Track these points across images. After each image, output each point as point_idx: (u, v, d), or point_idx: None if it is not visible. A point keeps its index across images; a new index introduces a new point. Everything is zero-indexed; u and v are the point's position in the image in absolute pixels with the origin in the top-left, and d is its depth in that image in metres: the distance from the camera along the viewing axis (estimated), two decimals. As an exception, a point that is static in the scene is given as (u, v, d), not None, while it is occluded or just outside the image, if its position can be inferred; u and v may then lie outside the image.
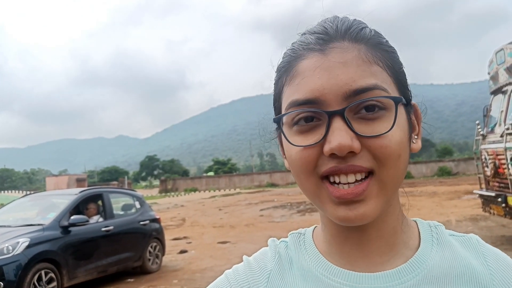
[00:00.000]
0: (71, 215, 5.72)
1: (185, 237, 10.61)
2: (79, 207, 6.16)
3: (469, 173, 39.30)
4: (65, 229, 5.35)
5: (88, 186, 62.04)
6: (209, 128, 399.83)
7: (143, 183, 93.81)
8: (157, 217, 7.38)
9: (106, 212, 6.25)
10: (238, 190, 46.36)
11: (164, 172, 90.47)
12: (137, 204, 7.09)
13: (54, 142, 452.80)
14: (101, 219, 6.16)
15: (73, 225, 5.42)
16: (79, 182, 54.33)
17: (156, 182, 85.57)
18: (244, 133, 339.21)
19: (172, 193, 50.01)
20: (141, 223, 6.82)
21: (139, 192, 8.05)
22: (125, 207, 7.05)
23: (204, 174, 72.92)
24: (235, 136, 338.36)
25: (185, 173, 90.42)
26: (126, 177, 58.15)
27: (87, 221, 5.56)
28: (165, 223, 14.10)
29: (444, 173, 42.21)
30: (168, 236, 10.42)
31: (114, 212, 6.57)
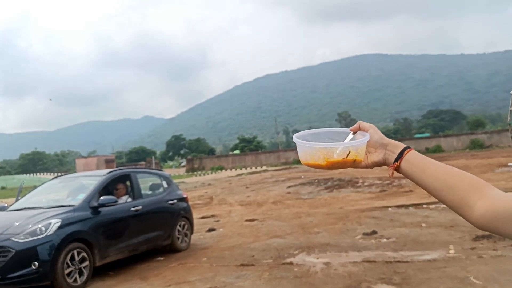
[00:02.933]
0: (100, 195, 5.75)
1: (213, 216, 10.66)
2: (108, 188, 6.19)
3: (503, 145, 37.82)
4: (95, 210, 5.38)
5: (117, 167, 63.98)
6: (234, 106, 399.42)
7: (170, 163, 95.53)
8: (185, 196, 7.36)
9: (134, 192, 6.26)
10: (264, 167, 46.82)
11: (190, 151, 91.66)
12: (165, 184, 7.08)
13: (82, 125, 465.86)
14: (129, 199, 6.17)
15: (103, 205, 5.44)
16: (108, 163, 55.86)
17: (183, 162, 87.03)
18: (269, 110, 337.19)
19: (199, 172, 50.83)
20: (169, 202, 6.82)
21: (166, 171, 8.07)
22: (153, 187, 7.06)
23: (230, 153, 73.49)
24: (260, 114, 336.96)
25: (211, 152, 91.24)
26: (153, 157, 59.44)
27: (116, 201, 5.57)
28: (192, 202, 14.26)
29: (476, 145, 40.71)
30: (196, 215, 10.48)
31: (142, 192, 6.59)
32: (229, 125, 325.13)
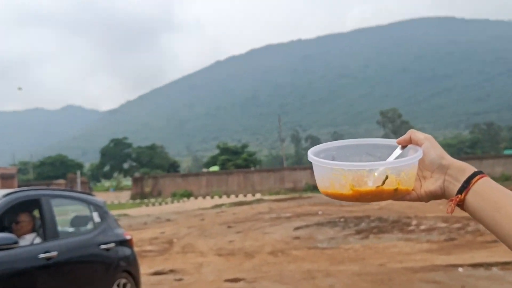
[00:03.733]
0: (-10, 234, 5.74)
1: (172, 271, 10.76)
2: (2, 221, 6.17)
3: None
4: (-21, 256, 5.37)
5: (19, 186, 63.70)
6: (213, 94, 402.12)
7: (106, 183, 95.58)
8: (128, 237, 7.43)
9: (46, 229, 6.27)
10: (258, 195, 47.34)
11: (139, 165, 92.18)
12: (96, 217, 7.11)
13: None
14: (38, 240, 6.18)
15: (-7, 248, 5.44)
16: (5, 179, 55.57)
17: (127, 182, 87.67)
18: (270, 102, 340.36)
19: (153, 200, 51.26)
20: (102, 246, 6.85)
21: (99, 196, 8.06)
22: (77, 221, 7.09)
23: (205, 170, 73.83)
24: (255, 108, 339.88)
25: (173, 167, 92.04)
26: (79, 173, 59.47)
27: (16, 242, 5.57)
28: (140, 248, 14.24)
29: None
30: (145, 269, 10.54)
31: (60, 228, 6.59)
32: (204, 126, 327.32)
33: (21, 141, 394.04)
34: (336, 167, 0.98)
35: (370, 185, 0.97)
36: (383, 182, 0.97)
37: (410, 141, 1.03)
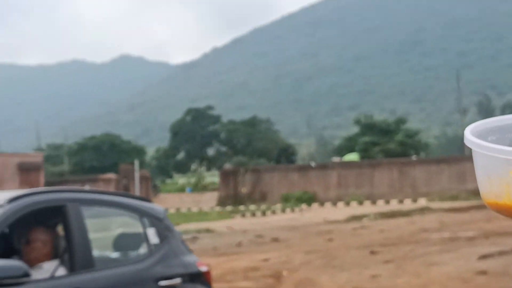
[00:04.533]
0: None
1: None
2: (7, 241, 6.41)
3: None
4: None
5: (46, 183, 66.41)
6: (347, 35, 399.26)
7: (179, 179, 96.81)
8: (203, 269, 7.51)
9: (74, 254, 6.43)
10: (423, 201, 46.80)
11: (232, 151, 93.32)
12: (153, 235, 7.22)
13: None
14: (61, 271, 6.35)
15: (-10, 286, 5.63)
16: (25, 172, 57.77)
17: (212, 177, 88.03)
18: (442, 47, 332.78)
19: (252, 207, 51.93)
20: (163, 283, 6.95)
21: (165, 201, 8.14)
22: (123, 242, 7.25)
23: (336, 159, 73.46)
24: (418, 57, 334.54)
25: (285, 155, 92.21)
26: (137, 163, 60.96)
27: (27, 274, 5.75)
28: (229, 284, 14.43)
29: None
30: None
31: (96, 253, 6.76)
32: (334, 87, 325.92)
33: (48, 111, 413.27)
34: None
35: None
36: None
37: None
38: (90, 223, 6.80)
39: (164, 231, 7.35)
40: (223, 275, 15.82)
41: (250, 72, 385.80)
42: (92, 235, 6.77)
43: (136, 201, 7.57)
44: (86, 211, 6.74)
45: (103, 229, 7.19)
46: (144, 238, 7.21)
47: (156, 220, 7.38)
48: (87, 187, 50.88)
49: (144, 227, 7.26)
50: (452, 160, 55.59)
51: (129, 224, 7.43)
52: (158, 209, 7.63)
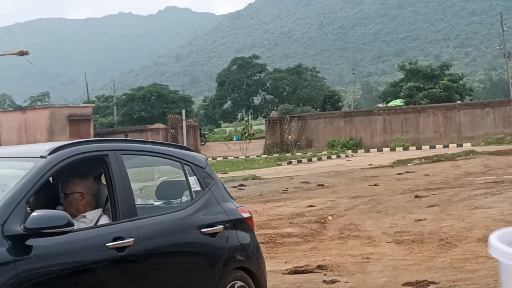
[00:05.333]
0: (32, 209, 5.95)
1: (321, 267, 10.84)
2: (52, 190, 6.43)
3: None
4: (19, 244, 5.59)
5: (96, 134, 67.18)
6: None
7: (227, 127, 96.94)
8: (246, 215, 7.48)
9: (117, 202, 6.42)
10: (468, 145, 46.74)
11: (278, 99, 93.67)
12: (194, 183, 7.17)
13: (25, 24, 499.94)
14: (104, 219, 6.35)
15: (36, 233, 5.63)
16: (75, 123, 58.56)
17: (259, 125, 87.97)
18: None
19: (298, 154, 52.34)
20: (205, 230, 6.92)
21: (213, 149, 8.14)
22: (165, 190, 7.26)
23: (381, 105, 72.88)
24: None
25: (330, 102, 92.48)
26: (184, 112, 61.16)
27: (70, 224, 5.74)
28: (274, 230, 14.47)
29: None
30: (279, 264, 10.74)
31: (138, 202, 6.72)
32: (378, 32, 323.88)
33: (97, 64, 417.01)
34: None
35: None
36: None
37: None
38: (132, 172, 6.79)
39: (206, 179, 7.32)
40: (269, 221, 15.84)
41: (295, 21, 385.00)
42: (134, 184, 6.75)
43: (177, 150, 7.54)
44: (128, 160, 6.72)
45: (146, 178, 7.16)
46: (186, 186, 7.18)
47: (198, 168, 7.34)
48: (128, 137, 51.47)
49: (186, 175, 7.22)
50: (497, 104, 55.03)
51: (171, 173, 7.40)
52: (200, 157, 7.61)
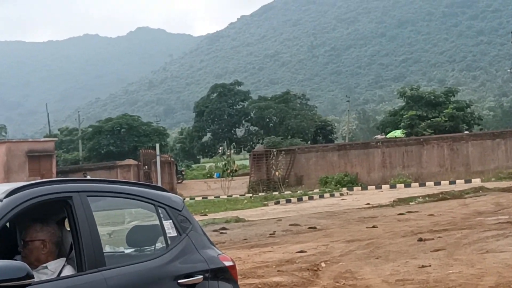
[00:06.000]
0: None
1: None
2: (9, 237, 6.48)
3: None
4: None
5: (58, 172, 66.85)
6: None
7: (206, 163, 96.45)
8: (228, 263, 7.46)
9: (82, 251, 6.42)
10: (477, 181, 46.83)
11: (264, 130, 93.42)
12: (170, 228, 7.19)
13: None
14: (68, 270, 6.33)
15: (-13, 288, 5.61)
16: (35, 160, 58.09)
17: (243, 161, 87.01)
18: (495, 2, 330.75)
19: (287, 193, 52.12)
20: (182, 281, 6.91)
21: (189, 189, 8.13)
22: (137, 236, 7.28)
23: (379, 136, 73.03)
24: (466, 20, 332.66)
25: (322, 134, 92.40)
26: (157, 147, 61.16)
27: (29, 276, 5.73)
28: (261, 280, 14.43)
29: None
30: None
31: (107, 249, 6.73)
32: (376, 53, 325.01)
33: (60, 92, 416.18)
34: None
35: None
36: None
37: None
38: (100, 216, 6.78)
39: (183, 223, 7.32)
40: (254, 269, 15.81)
41: (282, 42, 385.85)
42: (102, 229, 6.75)
43: (151, 190, 7.53)
44: (95, 202, 6.71)
45: (115, 222, 7.18)
46: (161, 231, 7.16)
47: (173, 211, 7.34)
48: (88, 176, 51.17)
49: (161, 219, 7.23)
50: (509, 134, 55.26)
51: (144, 216, 7.40)
52: (176, 198, 7.60)
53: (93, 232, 6.48)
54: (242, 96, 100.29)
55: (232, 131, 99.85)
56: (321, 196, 45.89)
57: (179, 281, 6.88)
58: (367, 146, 58.70)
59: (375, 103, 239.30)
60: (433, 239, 18.76)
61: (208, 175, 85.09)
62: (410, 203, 33.09)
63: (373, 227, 23.45)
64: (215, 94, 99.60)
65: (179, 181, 73.02)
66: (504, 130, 63.52)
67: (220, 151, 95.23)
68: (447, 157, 54.51)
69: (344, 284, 13.75)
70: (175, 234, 7.17)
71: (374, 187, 51.30)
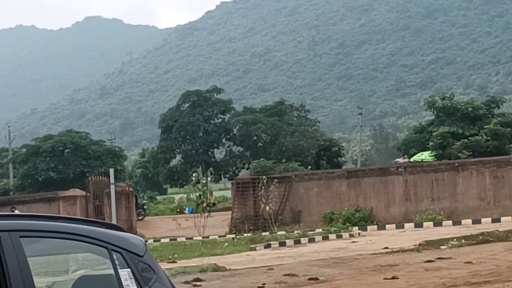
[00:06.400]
0: None
1: None
2: None
3: None
4: None
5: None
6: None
7: (175, 194, 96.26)
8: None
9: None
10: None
11: (250, 152, 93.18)
12: (127, 278, 7.20)
13: None
14: None
15: None
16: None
17: (223, 191, 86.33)
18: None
19: (280, 233, 51.84)
20: None
21: (138, 232, 8.13)
22: (86, 288, 7.23)
23: (401, 160, 73.32)
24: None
25: (325, 156, 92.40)
26: (112, 173, 61.27)
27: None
28: None
29: None
30: None
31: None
32: (394, 53, 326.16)
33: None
34: None
35: None
36: None
37: None
38: (37, 263, 6.78)
39: (145, 272, 7.32)
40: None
41: (274, 37, 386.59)
42: (39, 280, 6.74)
43: (103, 229, 7.53)
44: (30, 245, 6.69)
45: (56, 271, 7.19)
46: (116, 283, 7.16)
47: (132, 257, 7.34)
48: (16, 211, 50.98)
49: (116, 267, 7.22)
50: None
51: (94, 263, 7.41)
52: (135, 240, 7.58)
53: (26, 282, 6.49)
54: (222, 106, 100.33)
55: (209, 153, 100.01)
56: (325, 238, 45.88)
57: None
58: (385, 173, 58.65)
59: (396, 116, 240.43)
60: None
61: (178, 210, 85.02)
62: (441, 247, 33.11)
63: (393, 278, 23.47)
64: (186, 105, 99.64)
65: (140, 217, 73.02)
66: None
67: (193, 178, 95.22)
68: (489, 187, 54.50)
69: None
70: (135, 287, 7.20)
71: (394, 226, 51.20)
